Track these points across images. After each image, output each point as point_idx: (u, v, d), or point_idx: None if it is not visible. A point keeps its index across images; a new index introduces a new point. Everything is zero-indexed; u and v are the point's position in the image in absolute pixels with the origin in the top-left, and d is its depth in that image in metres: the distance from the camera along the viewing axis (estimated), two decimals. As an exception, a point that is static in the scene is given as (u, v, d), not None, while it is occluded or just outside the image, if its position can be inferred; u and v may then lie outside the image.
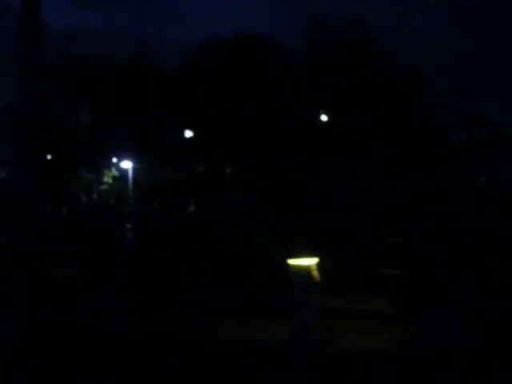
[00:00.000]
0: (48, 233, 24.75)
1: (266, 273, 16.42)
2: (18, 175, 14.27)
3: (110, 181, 53.03)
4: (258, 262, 18.57)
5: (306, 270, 10.24)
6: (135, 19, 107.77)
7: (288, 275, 10.45)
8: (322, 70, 40.57)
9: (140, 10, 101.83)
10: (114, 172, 51.82)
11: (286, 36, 44.89)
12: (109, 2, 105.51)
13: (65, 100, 51.22)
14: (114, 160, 50.12)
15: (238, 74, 41.61)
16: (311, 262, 10.35)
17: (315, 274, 10.32)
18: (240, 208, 36.09)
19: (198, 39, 56.15)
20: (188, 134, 44.35)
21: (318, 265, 10.41)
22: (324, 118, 41.57)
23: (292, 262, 10.43)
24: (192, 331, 11.79)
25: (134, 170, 45.97)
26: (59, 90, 48.90)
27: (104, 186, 53.80)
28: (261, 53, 42.45)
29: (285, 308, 11.59)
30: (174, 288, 16.41)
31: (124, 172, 47.79)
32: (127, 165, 45.76)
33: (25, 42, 14.13)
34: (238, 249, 21.20)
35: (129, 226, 26.99)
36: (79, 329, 11.60)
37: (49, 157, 48.64)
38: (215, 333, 11.70)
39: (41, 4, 13.74)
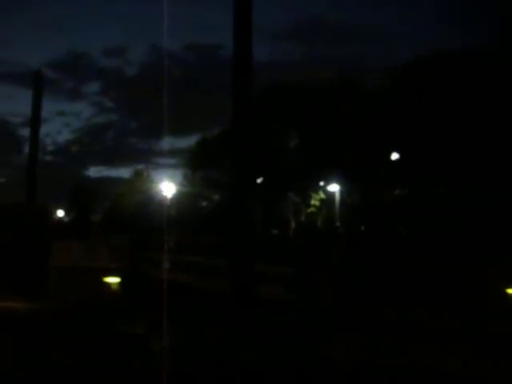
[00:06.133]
0: (261, 255, 25.71)
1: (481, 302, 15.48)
2: (234, 200, 15.15)
3: (318, 204, 54.02)
4: (471, 291, 17.66)
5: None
6: (334, 45, 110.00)
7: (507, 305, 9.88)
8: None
9: (338, 35, 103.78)
10: (322, 195, 52.72)
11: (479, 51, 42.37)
12: (306, 33, 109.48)
13: (274, 127, 53.29)
14: (321, 183, 51.01)
15: (443, 91, 40.37)
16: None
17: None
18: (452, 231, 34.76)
19: (399, 58, 55.26)
20: (394, 156, 43.84)
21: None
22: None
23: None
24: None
25: (341, 192, 46.41)
26: (269, 118, 50.96)
27: (312, 209, 54.94)
28: (465, 68, 40.80)
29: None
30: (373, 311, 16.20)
31: (331, 195, 48.44)
32: (334, 188, 46.33)
33: (238, 75, 15.11)
34: (450, 276, 20.33)
35: (336, 245, 27.33)
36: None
37: (259, 181, 50.82)
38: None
39: (251, 40, 14.63)
